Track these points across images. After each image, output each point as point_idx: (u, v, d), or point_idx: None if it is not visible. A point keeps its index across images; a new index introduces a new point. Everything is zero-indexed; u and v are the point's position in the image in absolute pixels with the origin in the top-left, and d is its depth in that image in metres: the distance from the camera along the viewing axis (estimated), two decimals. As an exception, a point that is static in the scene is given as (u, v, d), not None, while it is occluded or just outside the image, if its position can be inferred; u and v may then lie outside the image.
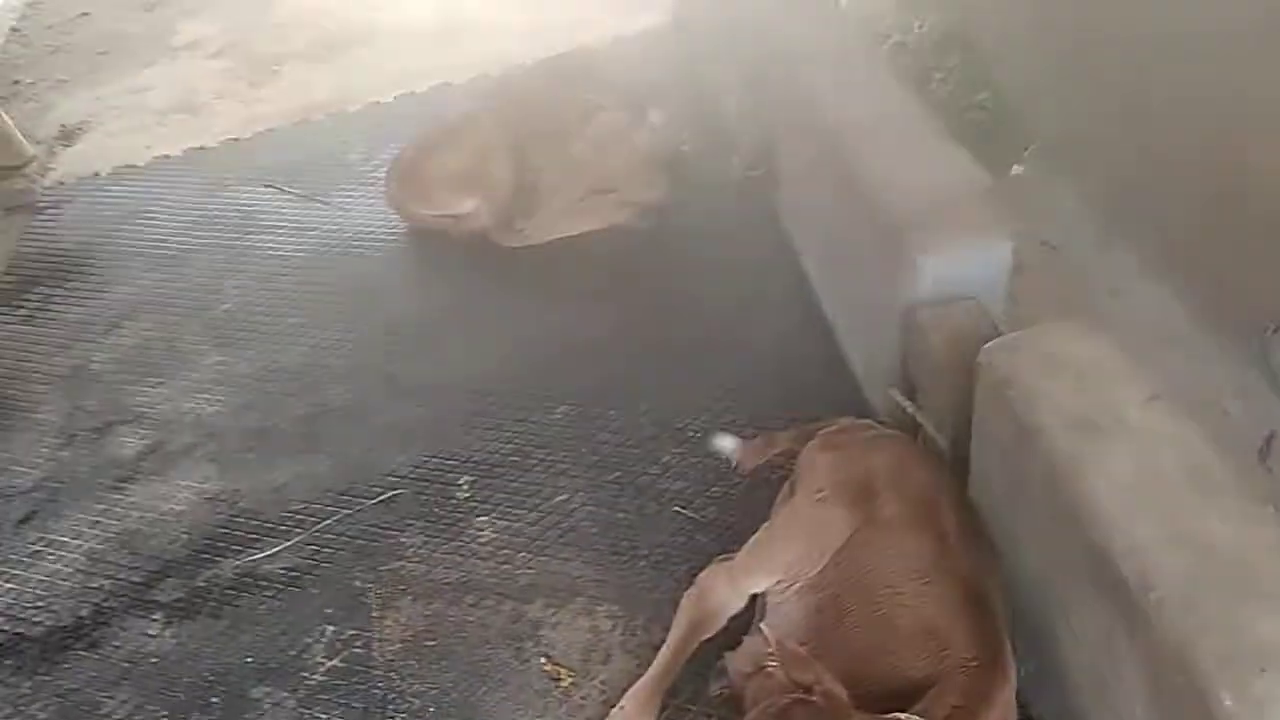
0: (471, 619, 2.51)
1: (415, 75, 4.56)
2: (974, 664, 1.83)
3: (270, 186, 4.22)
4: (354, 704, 2.39)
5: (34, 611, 2.75)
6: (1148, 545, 1.61)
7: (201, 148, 4.59)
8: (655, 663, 2.25)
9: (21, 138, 4.68)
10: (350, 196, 4.03)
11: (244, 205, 4.18)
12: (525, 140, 3.54)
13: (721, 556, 2.35)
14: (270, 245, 3.94)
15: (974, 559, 2.03)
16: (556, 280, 3.43)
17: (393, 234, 3.80)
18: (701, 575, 2.32)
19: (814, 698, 1.71)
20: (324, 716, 2.38)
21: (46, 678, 2.58)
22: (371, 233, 3.83)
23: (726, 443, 2.70)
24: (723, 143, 3.62)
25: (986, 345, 2.04)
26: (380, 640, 2.51)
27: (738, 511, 2.56)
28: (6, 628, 2.71)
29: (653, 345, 3.13)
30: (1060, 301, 2.57)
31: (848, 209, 2.68)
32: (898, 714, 1.73)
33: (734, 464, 2.67)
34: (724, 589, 2.25)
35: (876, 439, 2.34)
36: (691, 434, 2.82)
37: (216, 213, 4.18)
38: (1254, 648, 1.44)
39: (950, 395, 2.24)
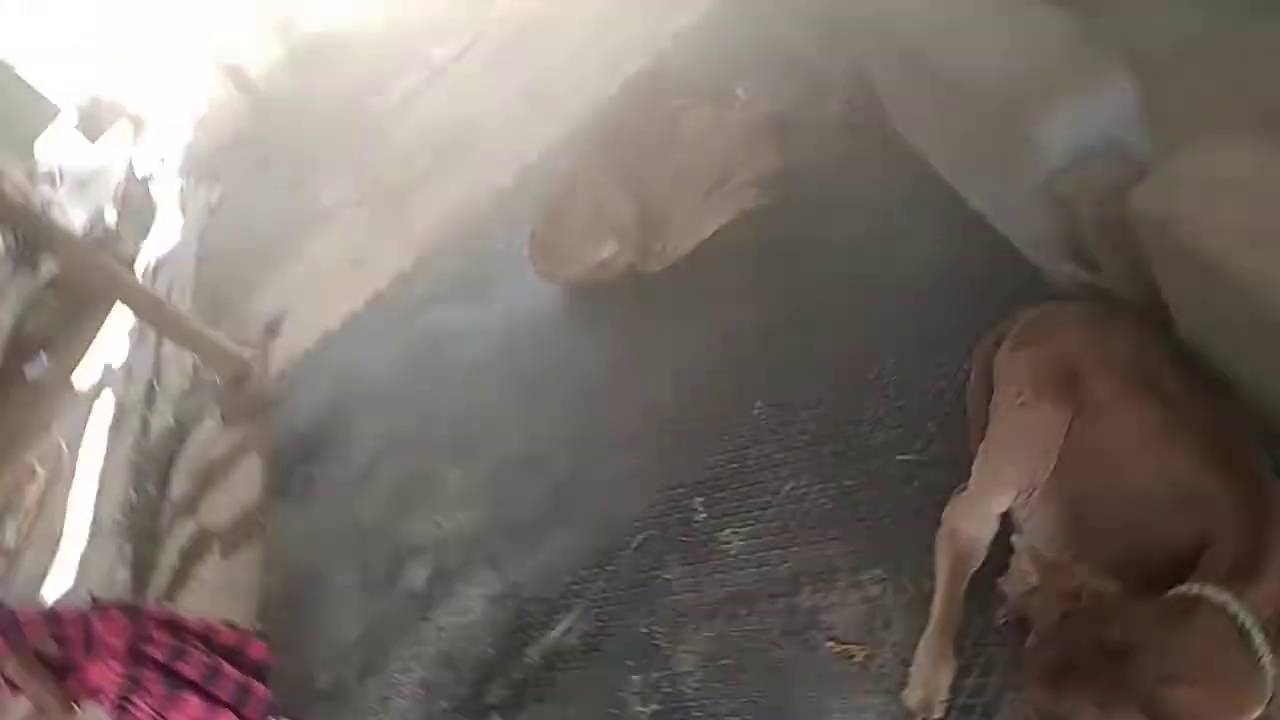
0: (752, 627, 2.61)
1: (525, 149, 4.78)
2: (1242, 511, 1.74)
3: (444, 303, 4.56)
4: (682, 740, 2.56)
5: (396, 749, 3.13)
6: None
7: (377, 292, 5.03)
8: (934, 612, 2.25)
9: (237, 348, 5.30)
10: (509, 285, 4.28)
11: (430, 328, 4.55)
12: (632, 168, 3.64)
13: (959, 488, 2.32)
14: (462, 355, 4.26)
15: (1206, 407, 1.91)
16: (711, 285, 3.49)
17: (555, 300, 4.01)
18: (945, 513, 2.30)
19: (1082, 603, 1.69)
20: (660, 759, 2.57)
21: (424, 803, 2.94)
22: (538, 308, 4.06)
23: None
24: (817, 89, 3.57)
25: (1134, 191, 1.93)
26: (682, 674, 2.67)
27: (960, 438, 2.50)
28: (379, 771, 3.11)
29: (820, 308, 3.12)
30: (1208, 105, 2.35)
31: (953, 108, 2.59)
32: (1179, 588, 1.67)
33: None
34: (968, 520, 2.23)
35: (1063, 322, 2.24)
36: (886, 380, 2.79)
37: (411, 344, 4.58)
38: None
39: (1125, 252, 2.13)
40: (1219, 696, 1.57)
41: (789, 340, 3.14)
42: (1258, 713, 1.61)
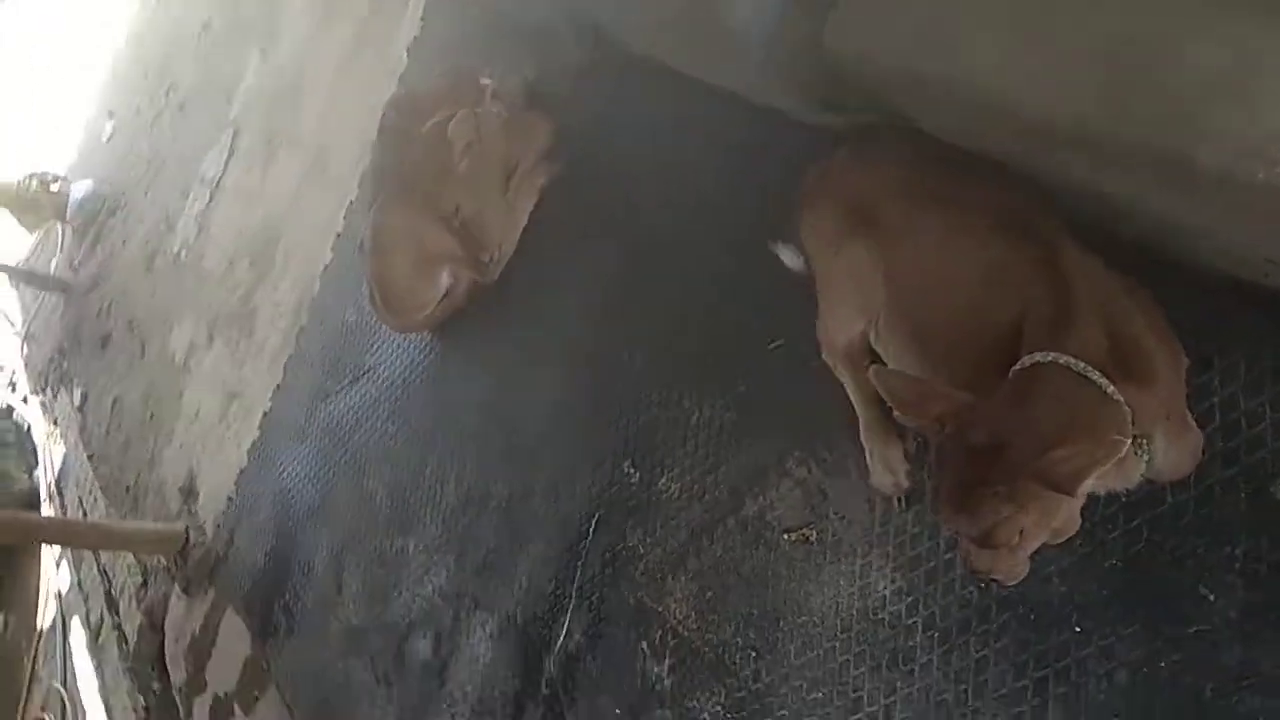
0: (719, 554, 2.75)
1: (327, 222, 4.76)
2: (1042, 271, 1.87)
3: (328, 395, 4.57)
4: (702, 677, 2.69)
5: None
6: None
7: (264, 414, 5.01)
8: (858, 410, 2.39)
9: (166, 526, 5.26)
10: (377, 351, 4.31)
11: (327, 423, 4.56)
12: (427, 197, 3.66)
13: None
14: (368, 434, 4.28)
15: (984, 192, 2.04)
16: (549, 266, 3.57)
17: (424, 345, 4.05)
18: (818, 336, 2.42)
19: (947, 426, 1.79)
20: (694, 704, 2.69)
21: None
22: (414, 360, 4.10)
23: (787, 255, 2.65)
24: (550, 47, 3.63)
25: (825, 33, 2.05)
26: (679, 622, 2.80)
27: (811, 305, 2.62)
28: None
29: (648, 241, 3.23)
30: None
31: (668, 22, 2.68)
32: (1014, 367, 1.80)
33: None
34: (836, 332, 2.34)
35: (839, 170, 2.35)
36: (728, 280, 2.92)
37: (318, 445, 4.58)
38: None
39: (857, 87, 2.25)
40: (1092, 436, 1.64)
41: (636, 283, 3.24)
42: (1129, 435, 1.76)
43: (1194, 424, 1.93)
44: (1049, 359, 1.75)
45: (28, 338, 8.27)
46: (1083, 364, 1.73)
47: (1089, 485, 1.57)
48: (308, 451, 4.62)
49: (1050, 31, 1.62)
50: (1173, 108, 1.42)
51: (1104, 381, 1.73)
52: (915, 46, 1.80)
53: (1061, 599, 2.11)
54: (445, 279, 3.72)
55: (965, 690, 2.19)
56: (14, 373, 8.43)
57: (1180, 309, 1.94)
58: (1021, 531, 1.66)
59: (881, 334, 2.22)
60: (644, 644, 2.87)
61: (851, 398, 2.40)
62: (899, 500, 2.39)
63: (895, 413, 1.96)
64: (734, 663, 2.64)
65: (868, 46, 1.90)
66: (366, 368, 4.36)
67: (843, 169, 2.35)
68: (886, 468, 2.37)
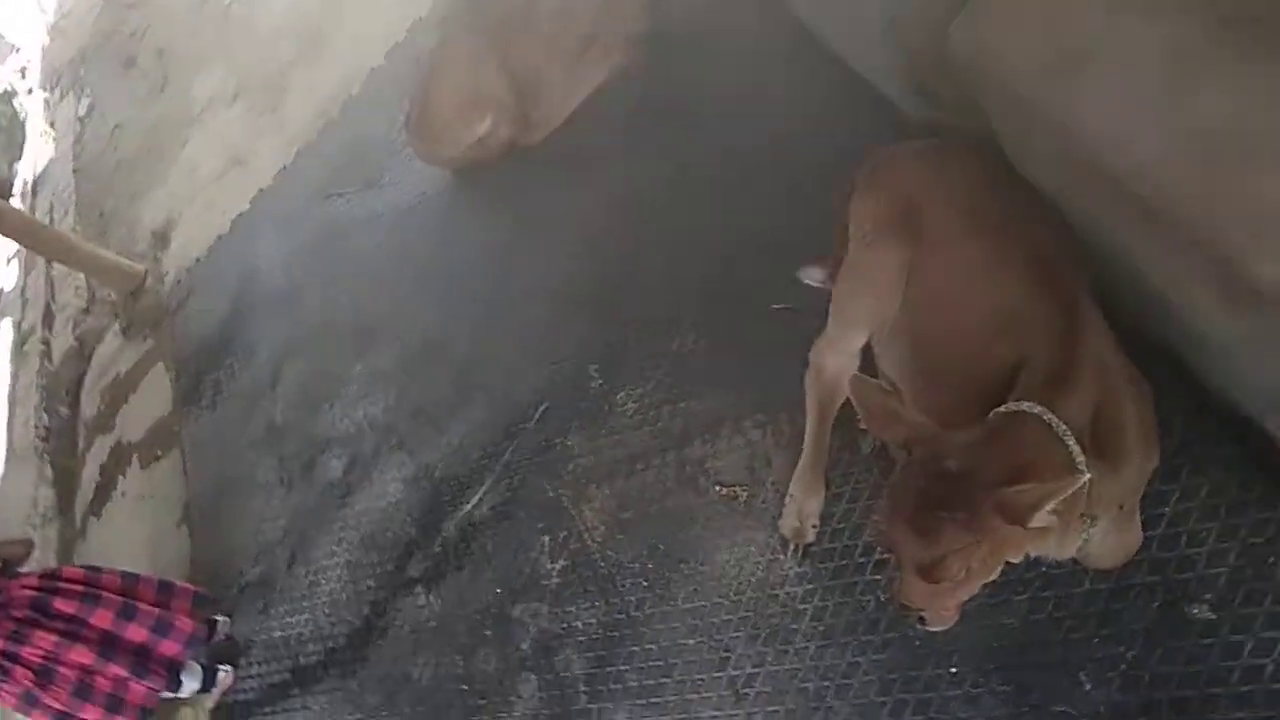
0: (649, 481, 2.77)
1: (390, 27, 4.62)
2: (1056, 328, 1.86)
3: (331, 195, 4.49)
4: (589, 588, 2.74)
5: (331, 627, 3.28)
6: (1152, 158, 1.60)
7: (261, 190, 4.92)
8: (805, 447, 2.41)
9: (128, 262, 5.18)
10: (393, 171, 4.23)
11: (318, 222, 4.49)
12: (499, 38, 3.56)
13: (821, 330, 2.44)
14: (355, 246, 4.23)
15: (1032, 232, 2.02)
16: (589, 151, 3.49)
17: (441, 183, 3.98)
18: (810, 353, 2.43)
19: (914, 450, 1.78)
20: (572, 609, 2.75)
21: (364, 671, 3.11)
22: (425, 192, 4.03)
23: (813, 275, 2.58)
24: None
25: (953, 24, 1.99)
26: (587, 530, 2.83)
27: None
28: (317, 648, 3.26)
29: (693, 165, 3.16)
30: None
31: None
32: (998, 409, 1.79)
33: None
34: (830, 358, 2.34)
35: (903, 162, 2.31)
36: (756, 238, 2.88)
37: (302, 239, 4.52)
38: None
39: (958, 84, 2.19)
40: (1054, 481, 1.62)
41: (667, 201, 3.19)
42: (1080, 506, 1.77)
43: (1139, 524, 1.96)
44: (1035, 410, 1.75)
45: (54, 30, 8.00)
46: (1064, 427, 1.73)
47: (1042, 519, 1.57)
48: (291, 242, 4.56)
49: (1172, 99, 1.58)
50: (1258, 214, 1.41)
51: (1077, 450, 1.73)
52: (1035, 72, 1.76)
53: (949, 638, 2.13)
54: (487, 124, 3.63)
55: (828, 687, 2.25)
56: (29, 61, 8.19)
57: (1174, 417, 1.96)
58: (968, 570, 1.66)
59: (888, 338, 2.20)
60: (546, 538, 2.91)
61: (806, 430, 2.40)
62: (794, 549, 2.43)
63: (862, 425, 1.96)
64: (623, 585, 2.68)
65: (988, 53, 1.85)
66: (379, 183, 4.28)
67: (909, 161, 2.31)
68: (798, 517, 2.40)
